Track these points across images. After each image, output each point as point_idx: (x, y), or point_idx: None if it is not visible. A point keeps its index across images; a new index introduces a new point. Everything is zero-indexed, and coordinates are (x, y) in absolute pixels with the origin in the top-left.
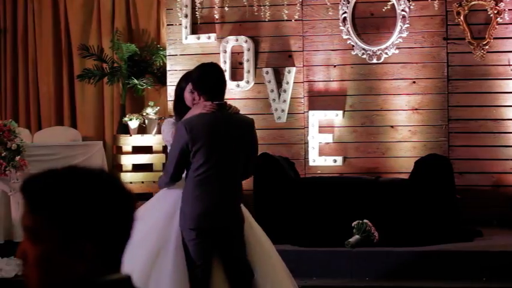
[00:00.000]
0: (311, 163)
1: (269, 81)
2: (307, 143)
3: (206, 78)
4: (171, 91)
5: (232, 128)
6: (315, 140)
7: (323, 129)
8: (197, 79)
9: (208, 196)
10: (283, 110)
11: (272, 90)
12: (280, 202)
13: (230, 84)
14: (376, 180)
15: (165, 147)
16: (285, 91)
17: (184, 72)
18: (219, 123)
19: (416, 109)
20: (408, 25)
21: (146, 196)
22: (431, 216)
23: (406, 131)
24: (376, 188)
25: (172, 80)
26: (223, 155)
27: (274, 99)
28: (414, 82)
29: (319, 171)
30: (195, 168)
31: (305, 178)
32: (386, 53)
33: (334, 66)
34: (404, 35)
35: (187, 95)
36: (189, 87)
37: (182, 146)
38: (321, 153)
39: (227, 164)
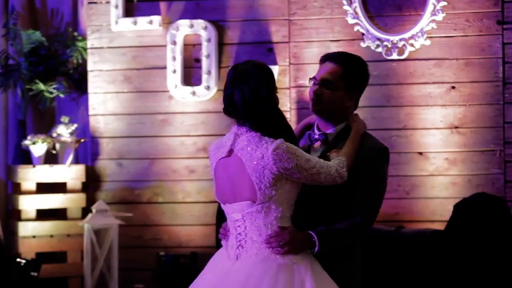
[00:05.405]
0: None
1: None
2: None
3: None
4: (94, 101)
5: None
6: None
7: None
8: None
9: None
10: None
11: None
12: None
13: (182, 91)
14: (396, 233)
15: (86, 185)
16: None
17: (114, 72)
18: None
19: (456, 127)
20: (445, 3)
21: (57, 257)
22: (479, 285)
23: (442, 160)
24: (396, 244)
25: (97, 84)
26: None
27: None
28: (454, 87)
29: None
30: None
31: None
32: (412, 45)
33: None
34: (440, 17)
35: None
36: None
37: None
38: None
39: None
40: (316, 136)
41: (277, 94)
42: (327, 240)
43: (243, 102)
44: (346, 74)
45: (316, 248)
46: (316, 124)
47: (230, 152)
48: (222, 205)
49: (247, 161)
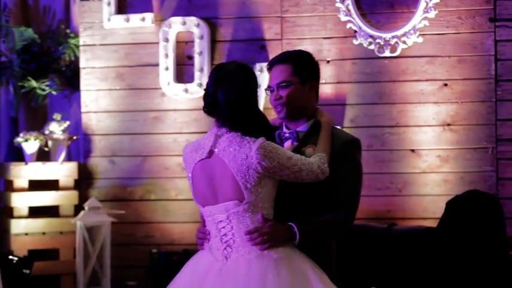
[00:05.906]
0: None
1: None
2: None
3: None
4: (87, 99)
5: None
6: None
7: None
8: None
9: None
10: None
11: None
12: None
13: (174, 88)
14: (388, 230)
15: (78, 182)
16: None
17: (106, 69)
18: None
19: (448, 124)
20: (438, 0)
21: (49, 254)
22: (471, 282)
23: (434, 157)
24: (388, 241)
25: (89, 82)
26: None
27: None
28: (446, 85)
29: None
30: None
31: None
32: (404, 42)
33: (328, 61)
34: (432, 15)
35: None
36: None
37: None
38: None
39: None
40: (287, 134)
41: (259, 95)
42: (308, 232)
43: (226, 102)
44: (296, 68)
45: (297, 240)
46: (283, 124)
47: (210, 153)
48: (201, 208)
49: (231, 162)
